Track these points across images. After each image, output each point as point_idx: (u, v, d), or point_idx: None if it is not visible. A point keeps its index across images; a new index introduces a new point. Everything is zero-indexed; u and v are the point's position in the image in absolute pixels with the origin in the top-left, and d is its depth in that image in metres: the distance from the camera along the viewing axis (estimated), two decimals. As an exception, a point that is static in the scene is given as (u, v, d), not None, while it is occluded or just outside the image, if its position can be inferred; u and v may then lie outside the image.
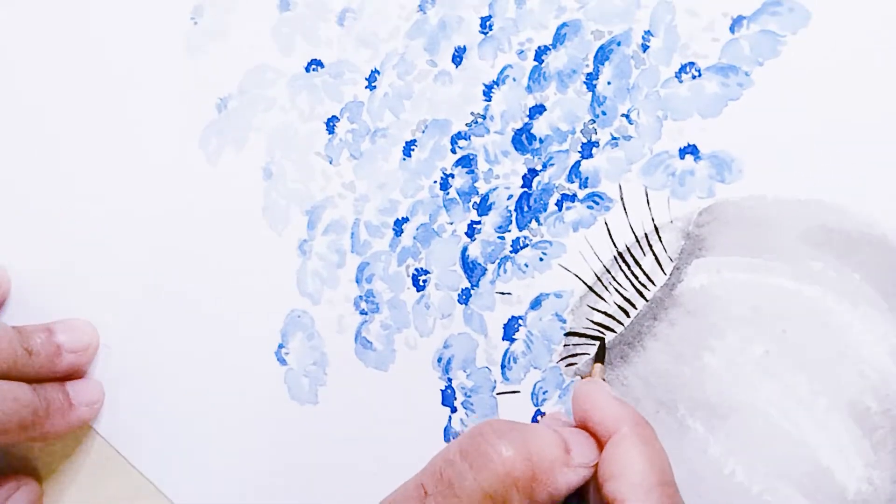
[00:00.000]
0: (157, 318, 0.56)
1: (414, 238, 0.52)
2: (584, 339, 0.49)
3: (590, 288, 0.49)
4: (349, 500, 0.52)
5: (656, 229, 0.48)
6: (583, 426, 0.43)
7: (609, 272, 0.49)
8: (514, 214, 0.50)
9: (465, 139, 0.51)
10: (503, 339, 0.50)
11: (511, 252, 0.50)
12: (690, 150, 0.48)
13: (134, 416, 0.56)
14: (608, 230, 0.49)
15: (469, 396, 0.50)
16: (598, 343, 0.49)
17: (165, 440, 0.56)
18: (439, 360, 0.51)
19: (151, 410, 0.56)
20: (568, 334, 0.49)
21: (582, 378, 0.49)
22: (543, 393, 0.49)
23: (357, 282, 0.53)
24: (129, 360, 0.57)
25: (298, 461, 0.53)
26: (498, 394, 0.50)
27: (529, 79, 0.51)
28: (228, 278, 0.55)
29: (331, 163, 0.54)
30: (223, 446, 0.54)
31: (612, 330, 0.49)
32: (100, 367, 0.57)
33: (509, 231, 0.50)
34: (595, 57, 0.50)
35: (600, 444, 0.42)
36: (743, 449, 0.47)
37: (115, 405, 0.57)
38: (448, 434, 0.51)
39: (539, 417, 0.49)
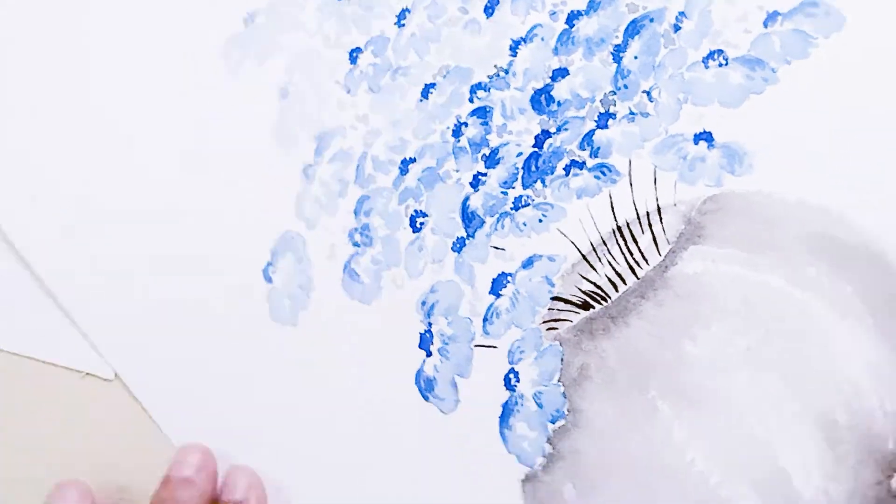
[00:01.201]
0: (153, 220, 0.53)
1: (418, 180, 0.49)
2: (569, 306, 0.46)
3: (584, 256, 0.46)
4: (310, 426, 0.50)
5: (659, 209, 0.46)
6: None
7: (605, 244, 0.46)
8: (521, 172, 0.47)
9: (485, 90, 0.48)
10: (490, 293, 0.47)
11: (512, 209, 0.47)
12: (705, 137, 0.45)
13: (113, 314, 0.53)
14: (611, 203, 0.46)
15: (446, 344, 0.48)
16: (582, 311, 0.46)
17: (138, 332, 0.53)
18: (423, 303, 0.48)
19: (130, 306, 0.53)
20: (554, 298, 0.47)
21: (561, 344, 0.46)
22: (521, 352, 0.47)
23: (355, 214, 0.50)
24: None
25: (270, 381, 0.51)
26: (475, 346, 0.47)
27: (558, 41, 0.48)
28: (229, 189, 0.52)
29: (348, 92, 0.51)
30: (198, 355, 0.52)
31: (599, 302, 0.46)
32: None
33: (513, 188, 0.47)
34: (626, 30, 0.47)
35: None
36: (707, 440, 0.44)
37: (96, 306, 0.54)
38: (419, 378, 0.48)
39: (511, 376, 0.46)
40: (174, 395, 0.52)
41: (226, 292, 0.52)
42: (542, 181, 0.47)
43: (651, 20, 0.47)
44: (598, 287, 0.46)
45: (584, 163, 0.47)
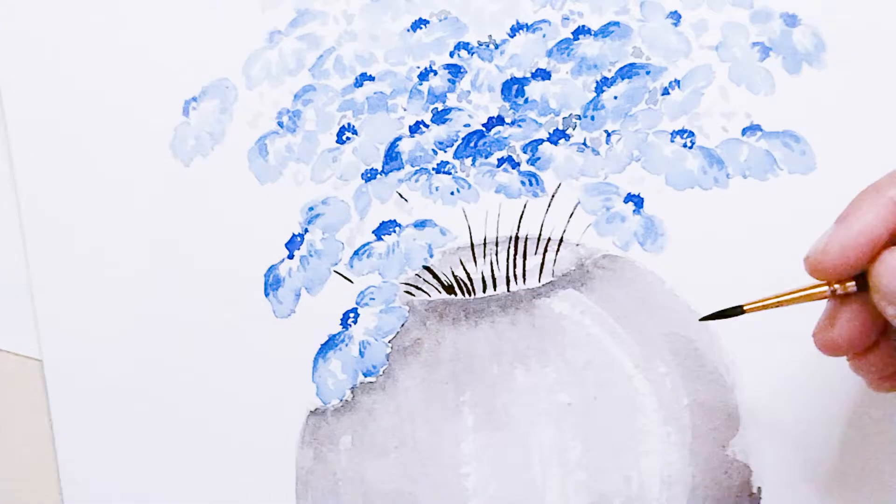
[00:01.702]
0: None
1: (367, 98, 0.47)
2: (435, 283, 0.45)
3: (472, 245, 0.45)
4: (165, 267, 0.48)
5: (561, 241, 0.44)
6: None
7: (497, 245, 0.45)
8: (459, 142, 0.46)
9: (468, 53, 0.47)
10: (373, 233, 0.46)
11: (433, 169, 0.46)
12: (636, 201, 0.44)
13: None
14: (523, 212, 0.45)
15: (311, 255, 0.46)
16: (444, 293, 0.45)
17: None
18: (310, 209, 0.46)
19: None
20: (426, 268, 0.45)
21: (410, 311, 0.44)
22: (371, 298, 0.45)
23: (295, 97, 0.48)
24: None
25: (168, 218, 0.48)
26: (335, 271, 0.46)
27: (556, 45, 0.46)
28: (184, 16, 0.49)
29: (343, -9, 0.49)
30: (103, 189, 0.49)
31: (463, 293, 0.45)
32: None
33: (444, 152, 0.46)
34: (621, 69, 0.46)
35: None
36: (491, 466, 0.43)
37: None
38: (270, 273, 0.46)
39: (350, 315, 0.45)
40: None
41: (139, 116, 0.49)
42: (473, 160, 0.46)
43: (647, 73, 0.46)
44: (470, 279, 0.45)
45: (518, 164, 0.46)
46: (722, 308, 0.38)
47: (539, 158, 0.46)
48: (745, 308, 0.37)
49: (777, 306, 0.36)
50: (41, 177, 0.49)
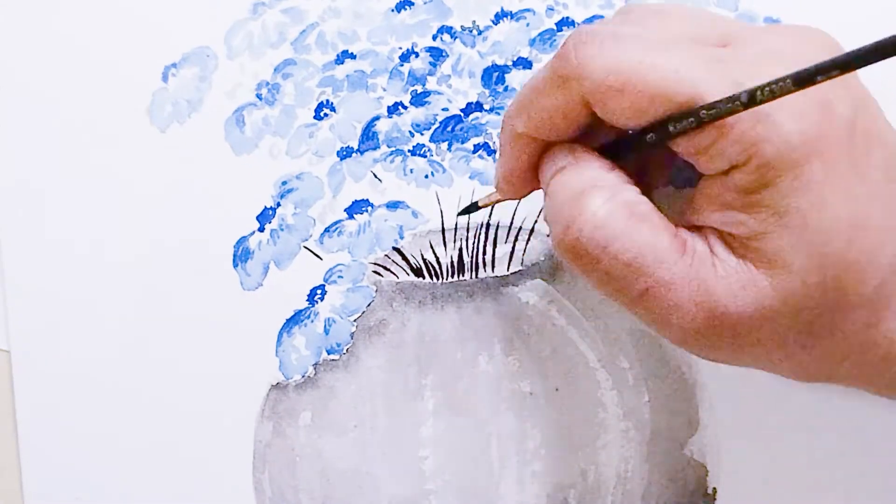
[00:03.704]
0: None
1: (346, 76, 0.43)
2: (403, 264, 0.41)
3: (443, 229, 0.41)
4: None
5: (532, 231, 0.41)
6: None
7: (468, 231, 0.41)
8: (436, 126, 0.42)
9: (451, 37, 0.43)
10: (344, 211, 0.42)
11: (409, 151, 0.42)
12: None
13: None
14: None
15: (281, 229, 0.42)
16: (412, 275, 0.41)
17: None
18: (283, 183, 0.42)
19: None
20: (396, 250, 0.41)
21: (377, 291, 0.41)
22: (339, 276, 0.41)
23: (275, 70, 0.44)
24: None
25: (140, 185, 0.44)
26: (304, 246, 0.42)
27: (539, 35, 0.42)
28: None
29: (335, -38, 0.44)
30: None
31: (431, 276, 0.41)
32: None
33: (421, 135, 0.42)
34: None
35: None
36: (448, 450, 0.40)
37: None
38: (240, 244, 0.42)
39: (317, 292, 0.41)
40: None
41: (118, 92, 0.44)
42: (449, 145, 0.42)
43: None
44: (439, 263, 0.41)
45: (494, 151, 0.42)
46: (467, 206, 0.40)
47: (515, 147, 0.41)
48: (479, 204, 0.39)
49: (504, 200, 0.38)
50: (10, 142, 0.44)
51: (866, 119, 0.30)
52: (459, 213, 0.41)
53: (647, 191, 0.32)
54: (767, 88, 0.27)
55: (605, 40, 0.30)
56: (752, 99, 0.27)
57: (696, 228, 0.31)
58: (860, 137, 0.30)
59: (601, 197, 0.30)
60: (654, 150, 0.31)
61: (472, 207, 0.39)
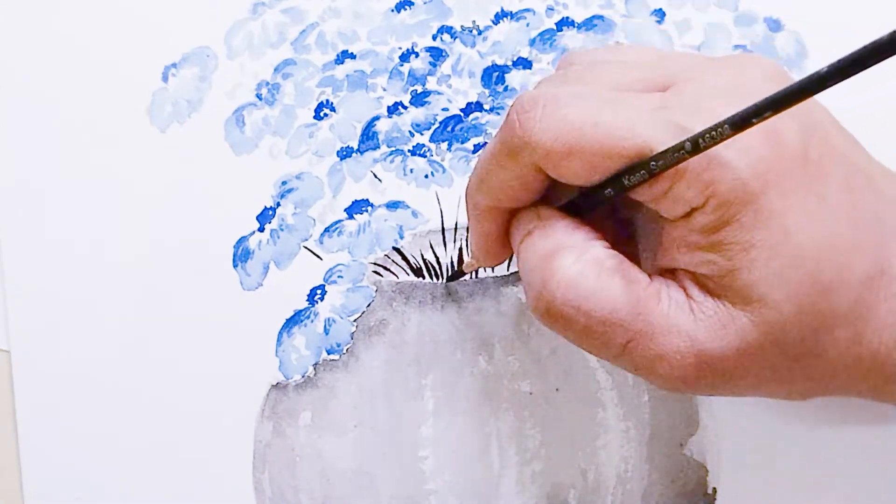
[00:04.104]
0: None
1: (346, 76, 0.43)
2: (403, 264, 0.41)
3: (443, 229, 0.41)
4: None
5: (532, 231, 0.40)
6: None
7: (468, 231, 0.40)
8: (436, 126, 0.42)
9: (451, 37, 0.42)
10: (344, 211, 0.41)
11: (409, 151, 0.42)
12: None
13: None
14: (495, 199, 0.40)
15: (281, 229, 0.42)
16: (412, 275, 0.40)
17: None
18: (283, 182, 0.42)
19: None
20: (396, 250, 0.41)
21: (377, 291, 0.40)
22: (339, 276, 0.41)
23: (275, 70, 0.43)
24: None
25: (146, 188, 0.44)
26: (304, 246, 0.41)
27: (539, 35, 0.42)
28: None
29: (335, -38, 0.44)
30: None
31: (431, 276, 0.40)
32: None
33: (421, 135, 0.42)
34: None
35: None
36: (447, 450, 0.40)
37: None
38: (240, 244, 0.42)
39: (317, 292, 0.41)
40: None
41: (119, 90, 0.44)
42: (449, 145, 0.42)
43: (627, 68, 0.41)
44: (439, 263, 0.41)
45: (494, 151, 0.41)
46: (453, 272, 0.41)
47: (515, 147, 0.41)
48: (464, 269, 0.39)
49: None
50: (10, 142, 0.44)
51: (817, 140, 0.30)
52: (447, 281, 0.41)
53: (622, 240, 0.32)
54: (708, 135, 0.27)
55: (546, 105, 0.30)
56: (696, 146, 0.27)
57: (670, 272, 0.31)
58: (813, 160, 0.29)
59: (570, 257, 0.30)
60: (615, 202, 0.31)
61: (457, 275, 0.40)
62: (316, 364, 0.41)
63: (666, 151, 0.28)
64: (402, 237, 0.42)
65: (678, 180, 0.28)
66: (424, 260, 0.41)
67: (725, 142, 0.27)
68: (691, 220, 0.29)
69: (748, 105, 0.26)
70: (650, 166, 0.28)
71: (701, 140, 0.27)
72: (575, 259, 0.30)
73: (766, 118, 0.26)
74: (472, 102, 0.42)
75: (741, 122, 0.27)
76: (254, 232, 0.42)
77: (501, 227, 0.33)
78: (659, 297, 0.30)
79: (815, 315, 0.29)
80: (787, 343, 0.29)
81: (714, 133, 0.27)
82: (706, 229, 0.29)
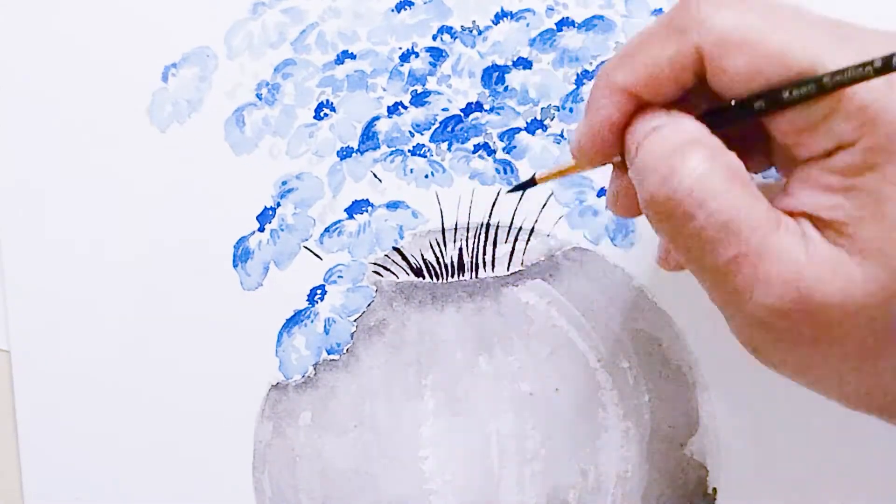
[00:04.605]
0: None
1: (347, 76, 0.42)
2: (403, 264, 0.40)
3: (443, 229, 0.40)
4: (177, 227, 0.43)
5: (532, 231, 0.40)
6: None
7: (468, 231, 0.40)
8: (437, 126, 0.41)
9: (451, 37, 0.42)
10: (344, 211, 0.41)
11: (409, 151, 0.41)
12: (609, 195, 0.39)
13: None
14: (496, 200, 0.41)
15: (281, 230, 0.41)
16: (411, 275, 0.40)
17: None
18: (283, 183, 0.42)
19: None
20: (396, 250, 0.40)
21: (377, 291, 0.40)
22: (339, 276, 0.41)
23: (275, 70, 0.43)
24: None
25: (146, 188, 0.43)
26: (304, 246, 0.41)
27: (539, 35, 0.42)
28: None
29: (335, -38, 0.44)
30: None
31: (431, 276, 0.40)
32: None
33: (421, 135, 0.41)
34: (603, 62, 0.41)
35: None
36: (448, 449, 0.39)
37: None
38: (240, 244, 0.42)
39: (317, 292, 0.40)
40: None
41: (118, 90, 0.43)
42: (449, 145, 0.41)
43: (627, 68, 0.41)
44: (439, 263, 0.41)
45: (494, 151, 0.41)
46: (521, 182, 0.37)
47: (515, 147, 0.41)
48: (536, 179, 0.35)
49: (570, 173, 0.34)
50: (10, 142, 0.43)
51: None
52: (510, 191, 0.39)
53: None
54: None
55: None
56: (887, 65, 0.26)
57: (788, 213, 0.29)
58: None
59: (702, 154, 0.28)
60: (748, 129, 0.30)
61: (529, 183, 0.36)
62: (316, 364, 0.41)
63: (848, 68, 0.26)
64: (402, 237, 0.41)
65: (837, 111, 0.27)
66: (424, 260, 0.41)
67: None
68: (832, 158, 0.28)
69: None
70: (822, 81, 0.27)
71: (894, 61, 0.26)
72: (708, 157, 0.28)
73: None
74: (472, 102, 0.42)
75: None
76: (254, 232, 0.42)
77: (624, 118, 0.31)
78: (779, 224, 0.28)
79: None
80: (889, 313, 0.28)
81: None
82: (848, 170, 0.27)
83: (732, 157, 0.29)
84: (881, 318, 0.28)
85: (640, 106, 0.30)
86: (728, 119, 0.30)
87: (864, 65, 0.26)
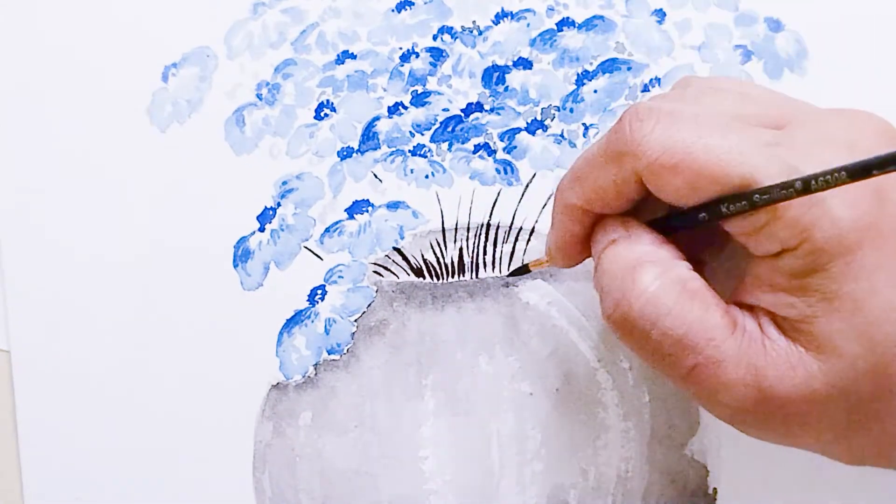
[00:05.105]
0: None
1: (347, 76, 0.42)
2: (404, 264, 0.40)
3: (443, 230, 0.40)
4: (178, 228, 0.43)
5: (532, 231, 0.40)
6: None
7: (468, 231, 0.40)
8: (437, 126, 0.41)
9: (451, 37, 0.42)
10: (345, 211, 0.41)
11: (410, 151, 0.41)
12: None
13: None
14: (496, 200, 0.41)
15: (282, 230, 0.41)
16: (412, 275, 0.40)
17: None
18: (284, 183, 0.41)
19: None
20: (396, 250, 0.40)
21: (377, 291, 0.40)
22: (339, 276, 0.40)
23: (275, 70, 0.43)
24: None
25: (146, 188, 0.43)
26: (305, 246, 0.41)
27: (539, 35, 0.42)
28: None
29: (335, -38, 0.43)
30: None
31: (431, 276, 0.40)
32: None
33: (422, 135, 0.41)
34: (603, 63, 0.41)
35: None
36: (448, 449, 0.39)
37: None
38: (240, 244, 0.41)
39: (318, 292, 0.40)
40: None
41: (119, 90, 0.43)
42: (450, 145, 0.41)
43: (629, 68, 0.41)
44: (439, 263, 0.40)
45: (494, 151, 0.41)
46: (517, 267, 0.39)
47: (515, 147, 0.41)
48: (530, 266, 0.38)
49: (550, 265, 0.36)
50: (10, 142, 0.43)
51: None
52: (509, 275, 0.40)
53: (696, 266, 0.32)
54: (822, 178, 0.27)
55: (661, 118, 0.29)
56: (807, 187, 0.27)
57: (748, 307, 0.30)
58: None
59: (653, 272, 0.30)
60: (705, 227, 0.31)
61: (522, 270, 0.39)
62: (316, 364, 0.41)
63: (773, 186, 0.28)
64: (402, 237, 0.41)
65: (776, 219, 0.28)
66: (425, 260, 0.41)
67: (833, 190, 0.27)
68: (779, 260, 0.29)
69: (860, 158, 0.26)
70: (753, 198, 0.28)
71: (813, 182, 0.27)
72: (658, 275, 0.30)
73: (888, 171, 0.26)
74: (472, 103, 0.42)
75: (861, 171, 0.26)
76: (254, 232, 0.42)
77: (585, 230, 0.33)
78: (734, 327, 0.29)
79: (888, 377, 0.28)
80: (854, 400, 0.29)
81: (829, 178, 0.27)
82: (794, 272, 0.28)
83: (683, 268, 0.30)
84: (844, 406, 0.29)
85: (599, 216, 0.32)
86: (680, 224, 0.31)
87: (787, 185, 0.27)
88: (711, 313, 0.29)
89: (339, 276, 0.41)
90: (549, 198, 0.41)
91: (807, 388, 0.28)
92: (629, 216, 0.32)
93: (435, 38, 0.42)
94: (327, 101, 0.42)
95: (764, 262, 0.29)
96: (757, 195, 0.28)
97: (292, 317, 0.41)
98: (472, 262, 0.41)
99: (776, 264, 0.29)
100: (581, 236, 0.33)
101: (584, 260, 0.34)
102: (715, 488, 0.39)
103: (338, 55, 0.43)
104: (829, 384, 0.28)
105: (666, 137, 0.29)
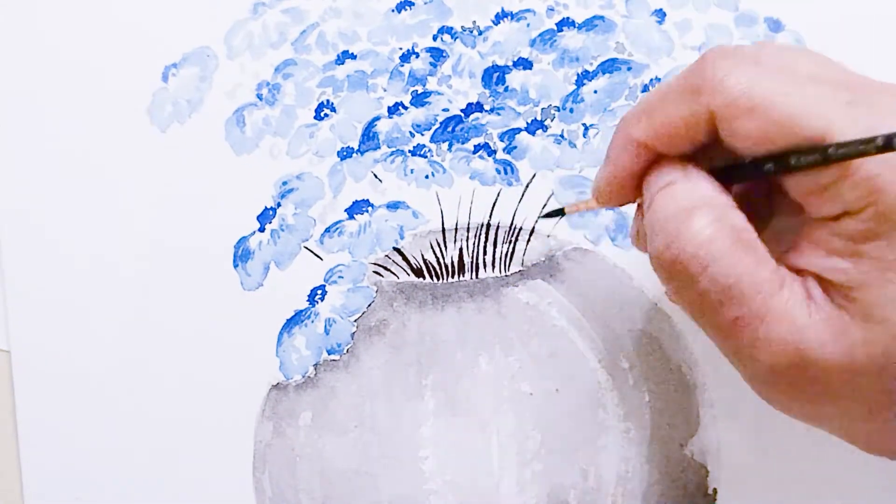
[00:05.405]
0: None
1: (347, 76, 0.42)
2: (404, 264, 0.40)
3: (443, 230, 0.40)
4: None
5: (532, 231, 0.40)
6: None
7: (468, 231, 0.40)
8: (437, 126, 0.41)
9: (451, 37, 0.42)
10: (345, 211, 0.41)
11: (410, 151, 0.41)
12: (609, 196, 0.39)
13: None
14: (496, 200, 0.40)
15: (282, 230, 0.41)
16: (412, 275, 0.40)
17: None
18: (284, 183, 0.41)
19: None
20: (396, 250, 0.40)
21: (377, 291, 0.40)
22: (339, 277, 0.40)
23: (275, 70, 0.42)
24: None
25: (146, 188, 0.43)
26: (305, 247, 0.40)
27: (539, 35, 0.41)
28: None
29: (335, -38, 0.43)
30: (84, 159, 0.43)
31: (431, 276, 0.40)
32: None
33: (422, 135, 0.41)
34: (603, 63, 0.41)
35: None
36: (448, 450, 0.39)
37: None
38: (240, 244, 0.41)
39: (318, 292, 0.40)
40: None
41: (119, 98, 0.43)
42: (450, 145, 0.41)
43: (629, 68, 0.41)
44: (439, 264, 0.40)
45: (494, 151, 0.41)
46: (549, 210, 0.37)
47: (515, 147, 0.41)
48: (566, 210, 0.36)
49: (595, 208, 0.35)
50: (10, 142, 0.43)
51: None
52: (542, 217, 0.39)
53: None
54: None
55: (743, 60, 0.29)
56: (888, 144, 0.26)
57: (796, 270, 0.30)
58: None
59: (708, 216, 0.29)
60: (762, 183, 0.30)
61: (558, 212, 0.37)
62: (316, 364, 0.41)
63: (852, 142, 0.27)
64: (402, 237, 0.41)
65: (845, 177, 0.27)
66: (425, 260, 0.41)
67: None
68: (839, 223, 0.28)
69: None
70: (827, 152, 0.27)
71: (895, 140, 0.26)
72: (713, 219, 0.29)
73: None
74: (472, 103, 0.41)
75: None
76: (254, 232, 0.42)
77: (640, 168, 0.32)
78: (782, 285, 0.29)
79: None
80: (890, 374, 0.28)
81: None
82: (853, 236, 0.28)
83: (739, 217, 0.30)
84: (880, 381, 0.28)
85: (657, 157, 0.31)
86: (740, 176, 0.30)
87: (867, 141, 0.26)
88: (762, 267, 0.29)
89: (339, 277, 0.41)
90: (549, 198, 0.40)
91: (847, 356, 0.28)
92: (688, 160, 0.31)
93: (435, 38, 0.42)
94: (327, 101, 0.42)
95: (820, 225, 0.29)
96: (833, 148, 0.27)
97: (292, 317, 0.41)
98: (472, 263, 0.41)
99: (834, 227, 0.28)
100: (637, 174, 0.32)
101: (631, 201, 0.33)
102: (715, 488, 0.39)
103: (338, 55, 0.43)
104: (870, 356, 0.28)
105: (747, 79, 0.28)
